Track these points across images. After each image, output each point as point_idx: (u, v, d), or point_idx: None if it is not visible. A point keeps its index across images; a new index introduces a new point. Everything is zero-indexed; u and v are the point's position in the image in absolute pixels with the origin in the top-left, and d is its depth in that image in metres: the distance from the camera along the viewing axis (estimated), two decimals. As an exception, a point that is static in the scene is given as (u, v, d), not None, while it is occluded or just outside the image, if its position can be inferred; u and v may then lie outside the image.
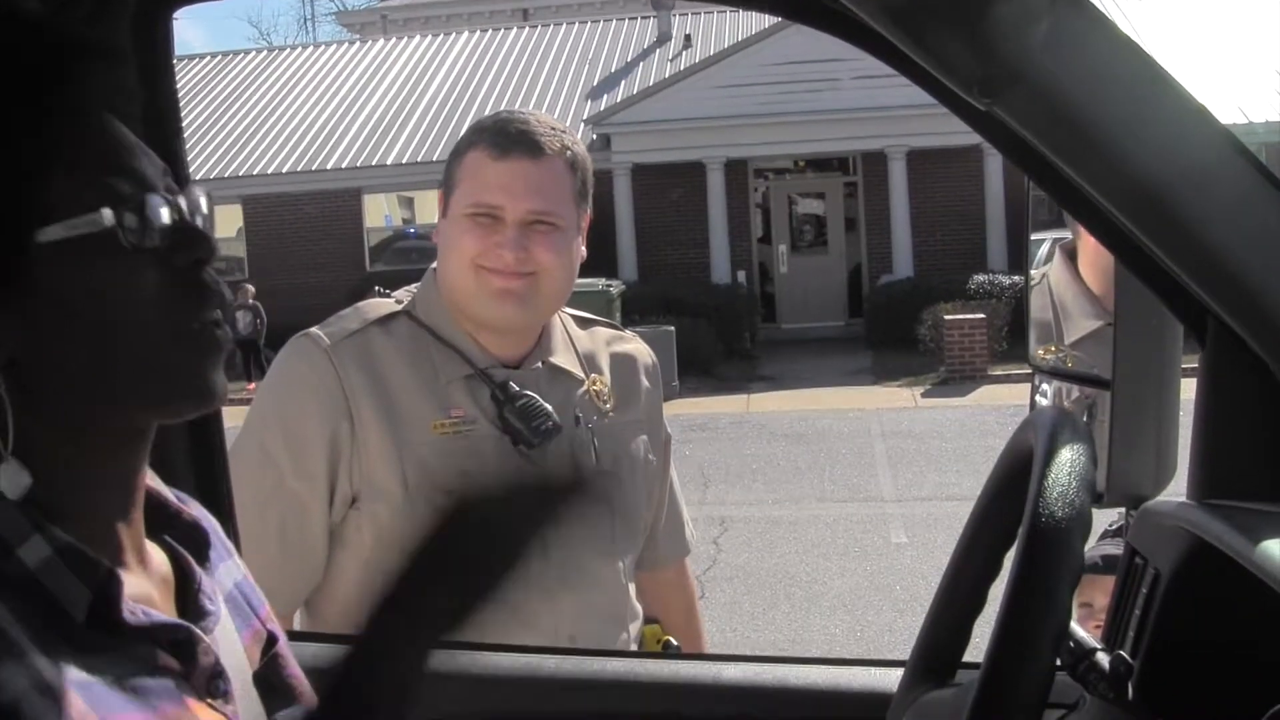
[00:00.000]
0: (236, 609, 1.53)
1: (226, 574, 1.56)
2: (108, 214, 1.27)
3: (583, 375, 2.97)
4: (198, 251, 1.34)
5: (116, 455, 1.36)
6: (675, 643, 3.13)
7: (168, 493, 1.51)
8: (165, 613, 1.36)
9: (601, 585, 2.90)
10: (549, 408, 2.82)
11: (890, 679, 2.17)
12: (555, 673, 2.36)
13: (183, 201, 1.35)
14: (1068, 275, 2.29)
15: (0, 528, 1.25)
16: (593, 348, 3.04)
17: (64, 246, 1.26)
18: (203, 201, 1.39)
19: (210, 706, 1.34)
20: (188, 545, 1.48)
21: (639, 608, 3.03)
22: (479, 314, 2.83)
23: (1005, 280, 27.70)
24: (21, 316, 1.26)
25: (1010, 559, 1.38)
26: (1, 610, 1.19)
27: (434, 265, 2.94)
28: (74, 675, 1.20)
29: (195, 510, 1.54)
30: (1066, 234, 2.38)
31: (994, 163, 30.14)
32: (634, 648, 2.98)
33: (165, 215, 1.31)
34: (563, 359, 2.95)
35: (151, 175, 1.34)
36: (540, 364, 2.90)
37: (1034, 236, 2.57)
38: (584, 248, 2.91)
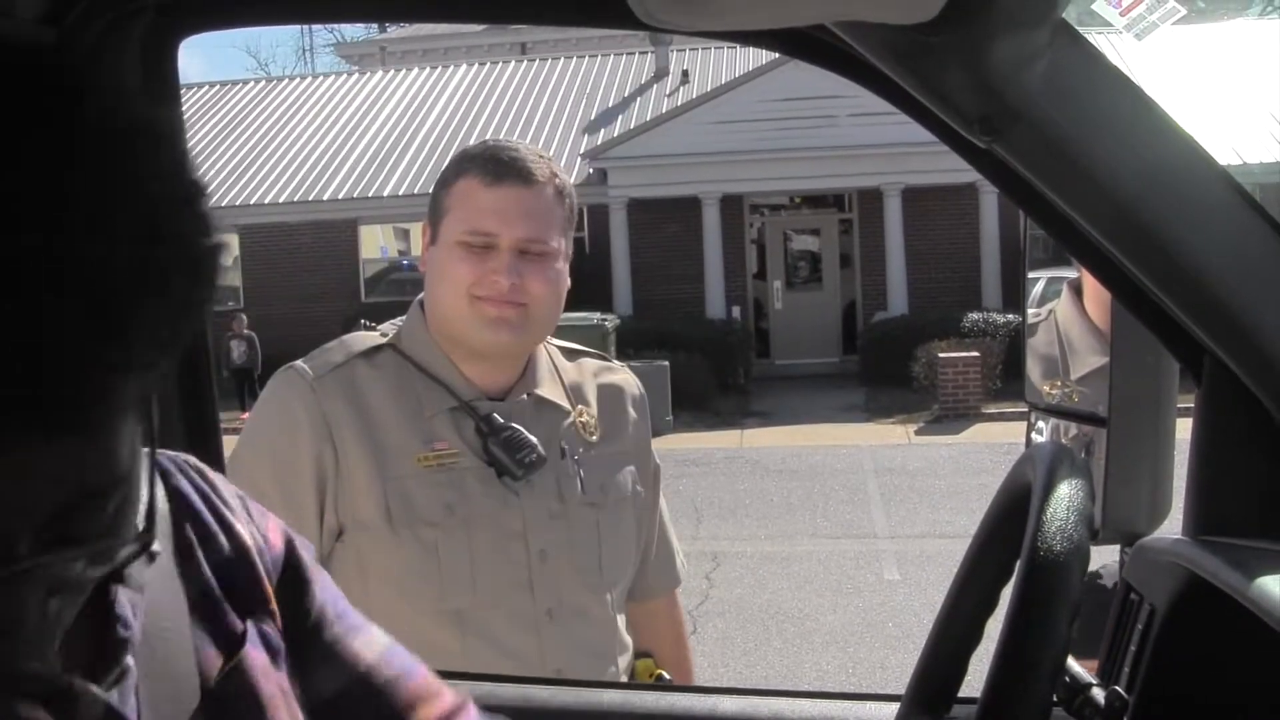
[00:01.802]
0: (202, 609, 1.35)
1: (204, 557, 1.38)
2: None
3: (569, 406, 2.97)
4: None
5: None
6: (669, 677, 3.13)
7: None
8: (71, 649, 1.15)
9: (589, 617, 2.89)
10: (534, 440, 2.82)
11: (886, 712, 2.17)
12: (549, 703, 2.36)
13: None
14: (1074, 312, 2.30)
15: None
16: (579, 379, 3.04)
17: None
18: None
19: None
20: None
21: (629, 640, 3.03)
22: (471, 342, 2.83)
23: (999, 318, 27.74)
24: None
25: (1008, 593, 1.39)
26: None
27: (419, 298, 2.95)
28: None
29: (178, 481, 1.40)
30: (1062, 273, 2.39)
31: (989, 200, 30.21)
32: (624, 680, 2.98)
33: None
34: (549, 390, 2.95)
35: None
36: (525, 395, 2.90)
37: (1031, 275, 2.58)
38: (568, 276, 2.91)
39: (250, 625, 1.41)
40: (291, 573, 1.50)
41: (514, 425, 2.82)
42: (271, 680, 1.39)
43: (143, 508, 1.12)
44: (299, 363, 2.85)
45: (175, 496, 1.39)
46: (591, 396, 3.02)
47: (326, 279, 32.92)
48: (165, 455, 1.42)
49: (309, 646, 1.48)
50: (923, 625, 9.66)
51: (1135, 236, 1.62)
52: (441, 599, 2.75)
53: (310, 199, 33.51)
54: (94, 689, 1.18)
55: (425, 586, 2.74)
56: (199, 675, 1.32)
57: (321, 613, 1.52)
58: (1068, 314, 2.35)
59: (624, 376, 3.14)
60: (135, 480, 1.07)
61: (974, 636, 1.69)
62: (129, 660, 1.24)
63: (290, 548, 1.51)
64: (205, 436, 2.35)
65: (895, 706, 1.87)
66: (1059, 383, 2.39)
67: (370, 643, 1.56)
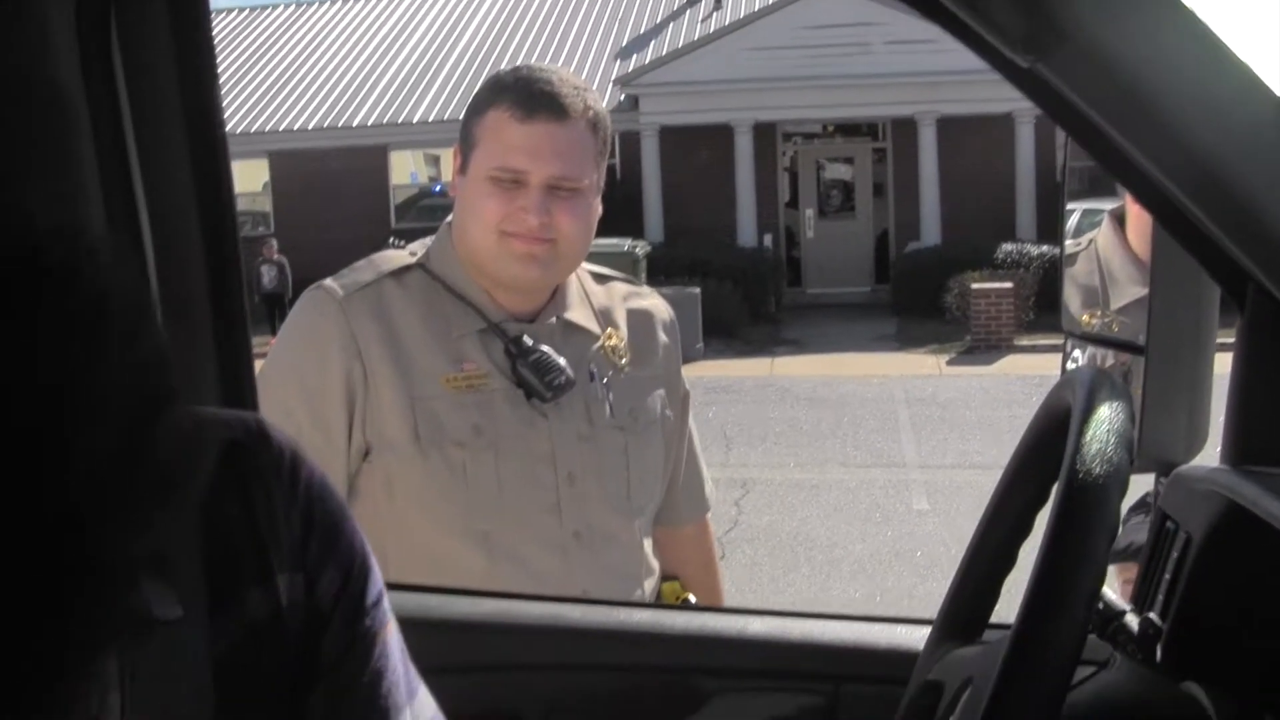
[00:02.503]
0: (233, 678, 1.20)
1: (235, 612, 1.23)
2: None
3: (598, 330, 2.95)
4: None
5: None
6: (694, 599, 3.13)
7: None
8: None
9: (616, 541, 2.89)
10: (563, 362, 2.80)
11: (916, 636, 2.17)
12: (579, 623, 2.37)
13: None
14: (1116, 241, 2.28)
15: None
16: (609, 303, 3.03)
17: None
18: None
19: None
20: None
21: (655, 564, 3.03)
22: (499, 275, 2.82)
23: (1033, 250, 27.66)
24: None
25: (1043, 519, 1.38)
26: None
27: (449, 219, 2.93)
28: None
29: None
30: (1099, 204, 2.37)
31: (1025, 131, 30.08)
32: (650, 604, 2.98)
33: None
34: (578, 314, 2.94)
35: None
36: (555, 319, 2.89)
37: (1068, 206, 2.56)
38: (600, 205, 2.89)
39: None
40: (346, 623, 1.30)
41: (543, 348, 2.81)
42: None
43: None
44: (328, 281, 2.84)
45: (224, 533, 1.23)
46: (621, 320, 3.01)
47: (356, 205, 32.90)
48: (238, 423, 1.29)
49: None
50: (951, 556, 9.68)
51: (1183, 162, 1.60)
52: (468, 520, 2.76)
53: (340, 125, 33.51)
54: None
55: (452, 508, 2.74)
56: None
57: (359, 689, 1.31)
58: (1109, 244, 2.34)
59: (654, 301, 3.13)
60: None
61: (1007, 561, 1.68)
62: None
63: (345, 591, 1.31)
64: (237, 361, 2.34)
65: (926, 630, 1.86)
66: (1098, 313, 2.37)
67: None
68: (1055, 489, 1.27)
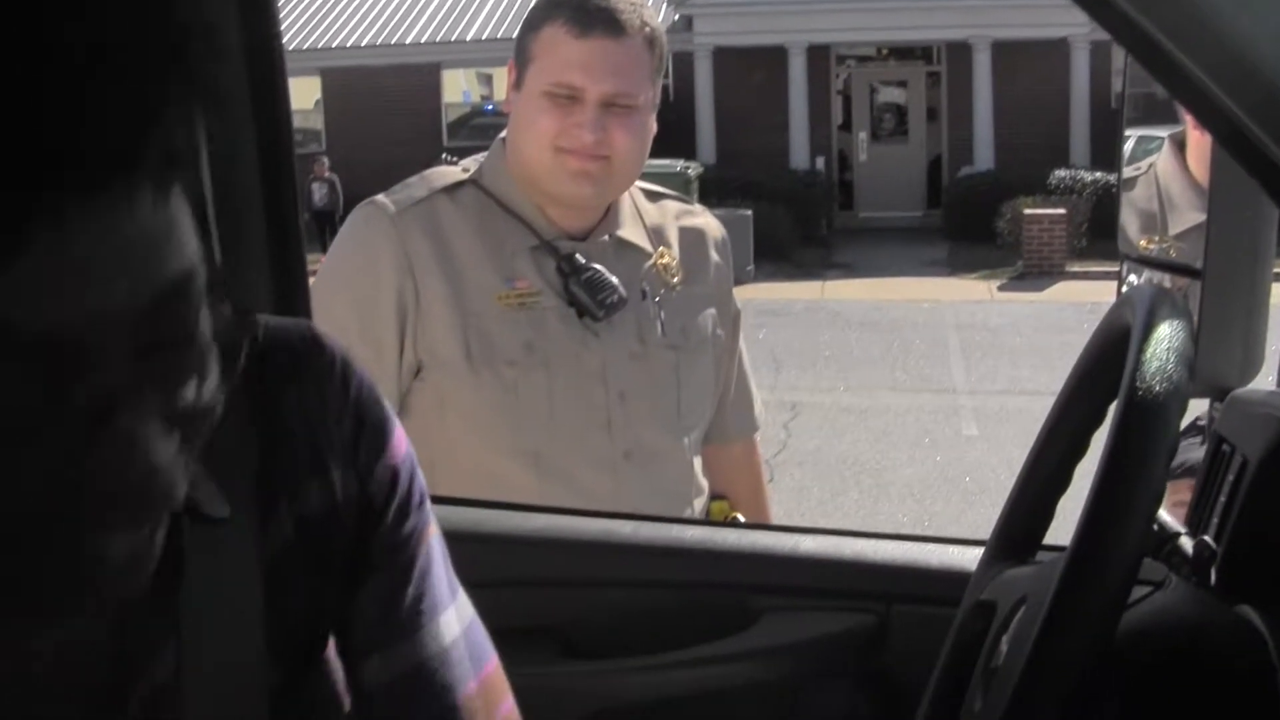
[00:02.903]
0: (282, 575, 1.24)
1: (287, 512, 1.26)
2: None
3: (650, 248, 2.95)
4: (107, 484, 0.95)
5: None
6: (742, 519, 3.14)
7: None
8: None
9: (666, 460, 2.90)
10: (615, 280, 2.80)
11: (969, 557, 2.16)
12: (630, 539, 2.37)
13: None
14: (1176, 166, 2.27)
15: None
16: (661, 221, 3.02)
17: None
18: None
19: None
20: None
21: (704, 483, 3.03)
22: (553, 192, 2.81)
23: (1087, 176, 27.45)
24: None
25: (1099, 439, 1.37)
26: None
27: (502, 135, 2.92)
28: None
29: None
30: (1155, 131, 2.36)
31: (1080, 57, 29.82)
32: (699, 522, 2.99)
33: None
34: (630, 232, 2.93)
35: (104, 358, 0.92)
36: (607, 237, 2.89)
37: (1125, 132, 2.54)
38: (654, 123, 2.88)
39: (326, 602, 1.29)
40: (397, 521, 1.34)
41: (595, 265, 2.80)
42: (344, 687, 1.31)
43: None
44: (380, 197, 2.84)
45: (278, 432, 1.26)
46: (673, 239, 3.00)
47: (408, 123, 32.84)
48: (285, 348, 1.31)
49: (386, 622, 1.34)
50: (1000, 481, 9.67)
51: (1246, 81, 1.58)
52: (519, 439, 2.76)
53: (393, 42, 33.43)
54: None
55: (503, 425, 2.75)
56: (266, 665, 1.21)
57: (409, 584, 1.35)
58: (1169, 169, 2.32)
59: (706, 220, 3.12)
60: (202, 287, 0.99)
61: (1063, 480, 1.67)
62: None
63: (395, 490, 1.34)
64: (291, 275, 2.35)
65: (979, 551, 1.86)
66: (1156, 238, 2.36)
67: (450, 623, 1.37)
68: (1114, 407, 1.27)
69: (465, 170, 2.91)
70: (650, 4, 2.85)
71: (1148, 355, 1.25)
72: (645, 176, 2.98)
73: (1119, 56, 1.83)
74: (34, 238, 0.85)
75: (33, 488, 0.92)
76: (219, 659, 1.17)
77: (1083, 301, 20.15)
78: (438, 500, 1.45)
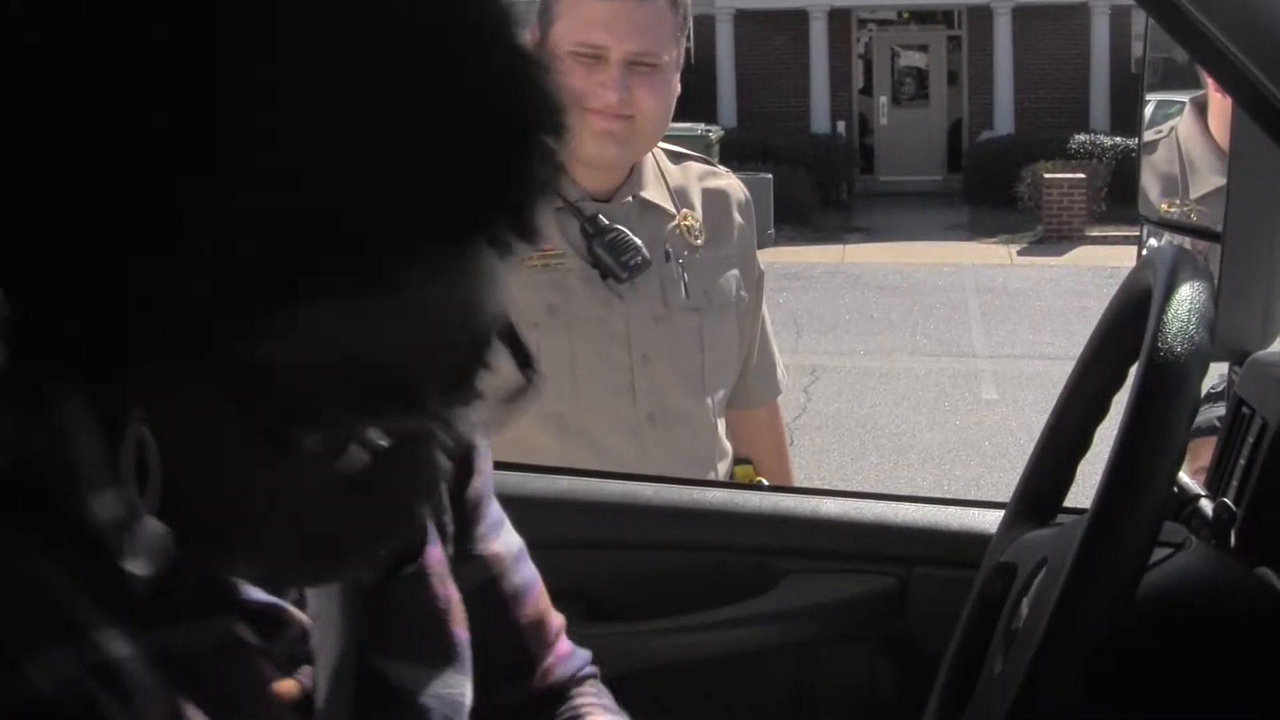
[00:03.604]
0: None
1: None
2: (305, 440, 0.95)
3: (674, 210, 2.94)
4: (396, 497, 1.03)
5: None
6: (766, 483, 3.14)
7: None
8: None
9: (690, 423, 2.90)
10: (639, 242, 2.80)
11: (989, 519, 2.17)
12: (652, 501, 2.37)
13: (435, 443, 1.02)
14: (1197, 130, 2.27)
15: (83, 467, 0.97)
16: (684, 183, 3.01)
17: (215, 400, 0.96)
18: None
19: (287, 677, 1.16)
20: None
21: (728, 446, 3.04)
22: (577, 152, 2.78)
23: (1106, 141, 27.34)
24: (160, 392, 0.96)
25: (1120, 401, 1.38)
26: (61, 575, 1.02)
27: None
28: (139, 652, 1.02)
29: None
30: (1175, 95, 2.36)
31: (1101, 22, 29.73)
32: (725, 484, 2.99)
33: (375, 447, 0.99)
34: (654, 193, 2.93)
35: (422, 383, 0.96)
36: (631, 198, 2.88)
37: (1145, 96, 2.54)
38: (678, 84, 2.88)
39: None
40: (466, 458, 1.39)
41: (619, 227, 2.80)
42: (448, 586, 1.33)
43: None
44: None
45: None
46: (696, 200, 3.00)
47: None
48: None
49: (461, 540, 1.39)
50: (1020, 445, 9.64)
51: (1269, 45, 1.58)
52: (542, 401, 2.75)
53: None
54: (298, 613, 1.18)
55: (526, 388, 2.74)
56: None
57: (478, 503, 1.42)
58: (1190, 132, 2.32)
59: (729, 181, 3.11)
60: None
61: (1083, 443, 1.68)
62: None
63: None
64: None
65: (999, 514, 1.87)
66: (1177, 201, 2.36)
67: (509, 543, 1.46)
68: (1136, 368, 1.27)
69: (485, 131, 2.90)
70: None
71: (1169, 316, 1.26)
72: (666, 139, 2.98)
73: (1139, 21, 1.83)
74: (411, 280, 0.91)
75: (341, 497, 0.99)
76: None
77: (1102, 266, 20.12)
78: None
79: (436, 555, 1.33)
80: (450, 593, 1.33)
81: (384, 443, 0.96)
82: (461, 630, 1.33)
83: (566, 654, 1.54)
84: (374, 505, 1.01)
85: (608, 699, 1.56)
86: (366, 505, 1.00)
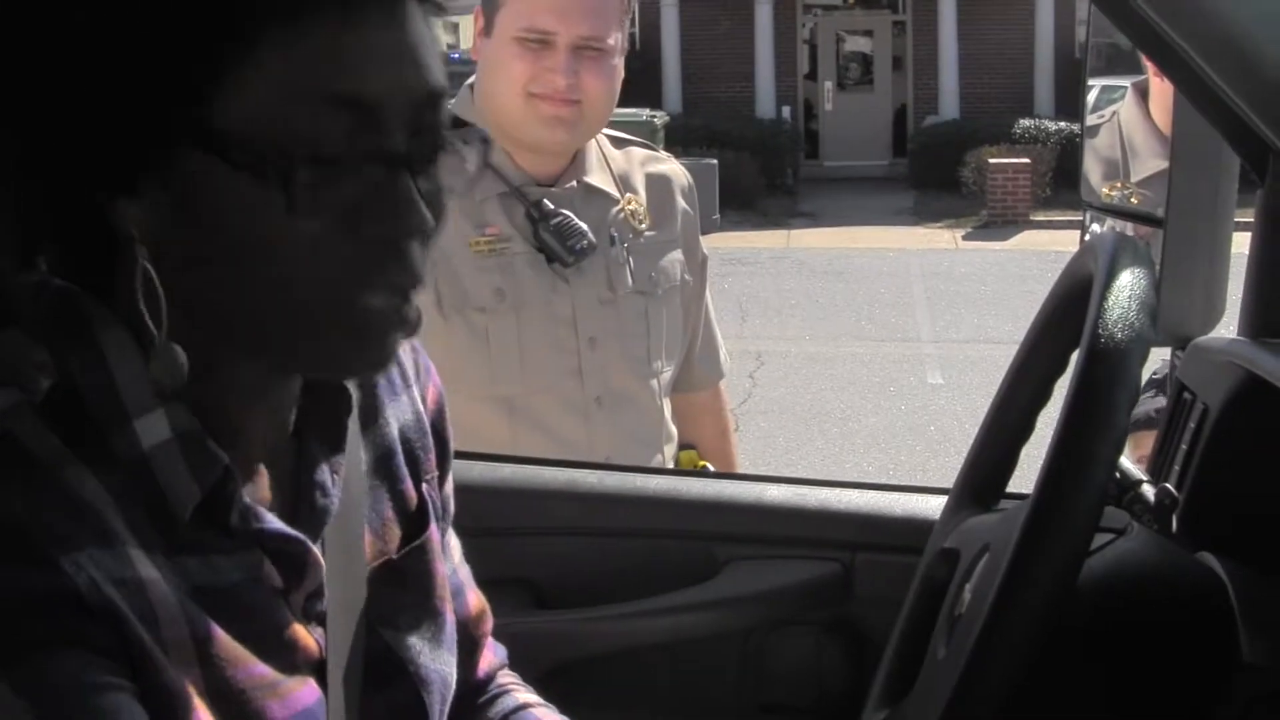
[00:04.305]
0: (388, 471, 1.37)
1: (392, 416, 1.40)
2: (270, 161, 1.05)
3: (618, 195, 2.96)
4: (388, 230, 1.12)
5: (266, 383, 1.22)
6: (711, 468, 3.15)
7: None
8: (277, 511, 1.21)
9: (637, 405, 2.92)
10: (584, 226, 2.82)
11: (933, 505, 2.17)
12: (596, 488, 2.37)
13: (410, 179, 1.13)
14: (1139, 114, 2.28)
15: (123, 391, 1.10)
16: (627, 168, 3.03)
17: (214, 161, 1.06)
18: (471, 155, 1.24)
19: (303, 627, 1.21)
20: (325, 414, 1.28)
21: (674, 430, 3.05)
22: (525, 138, 2.81)
23: (1051, 126, 27.46)
24: (159, 206, 1.09)
25: (1063, 386, 1.38)
26: (100, 490, 1.07)
27: (469, 82, 2.92)
28: (167, 575, 1.09)
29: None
30: (1118, 81, 2.36)
31: (1045, 7, 29.83)
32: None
33: (362, 178, 1.10)
34: (598, 178, 2.94)
35: (388, 112, 1.11)
36: (575, 183, 2.90)
37: (1089, 82, 2.55)
38: (623, 67, 2.89)
39: (427, 494, 1.41)
40: (444, 443, 1.49)
41: (564, 212, 2.81)
42: (442, 563, 1.41)
43: None
44: None
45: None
46: (640, 185, 3.02)
47: (374, 71, 32.66)
48: None
49: (447, 518, 1.49)
50: (965, 430, 9.69)
51: (1210, 34, 1.59)
52: (491, 384, 2.77)
53: (358, -11, 33.29)
54: (320, 556, 1.23)
55: (475, 372, 2.75)
56: (376, 543, 1.33)
57: (448, 496, 1.50)
58: (1132, 116, 2.33)
59: (672, 166, 3.13)
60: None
61: (1026, 428, 1.68)
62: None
63: (440, 415, 1.49)
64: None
65: (943, 499, 1.87)
66: (1119, 184, 2.37)
67: (458, 542, 1.55)
68: (1077, 354, 1.27)
69: (433, 117, 2.90)
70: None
71: (1110, 303, 1.26)
72: (612, 125, 2.99)
73: (1084, 6, 1.83)
74: (367, 19, 1.08)
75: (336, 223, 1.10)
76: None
77: (1047, 250, 20.18)
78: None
79: (435, 534, 1.39)
80: (444, 570, 1.40)
81: (365, 173, 1.09)
82: (450, 613, 1.39)
83: (493, 643, 1.61)
84: (365, 244, 1.10)
85: (520, 680, 1.64)
86: (359, 246, 1.10)
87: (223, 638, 1.12)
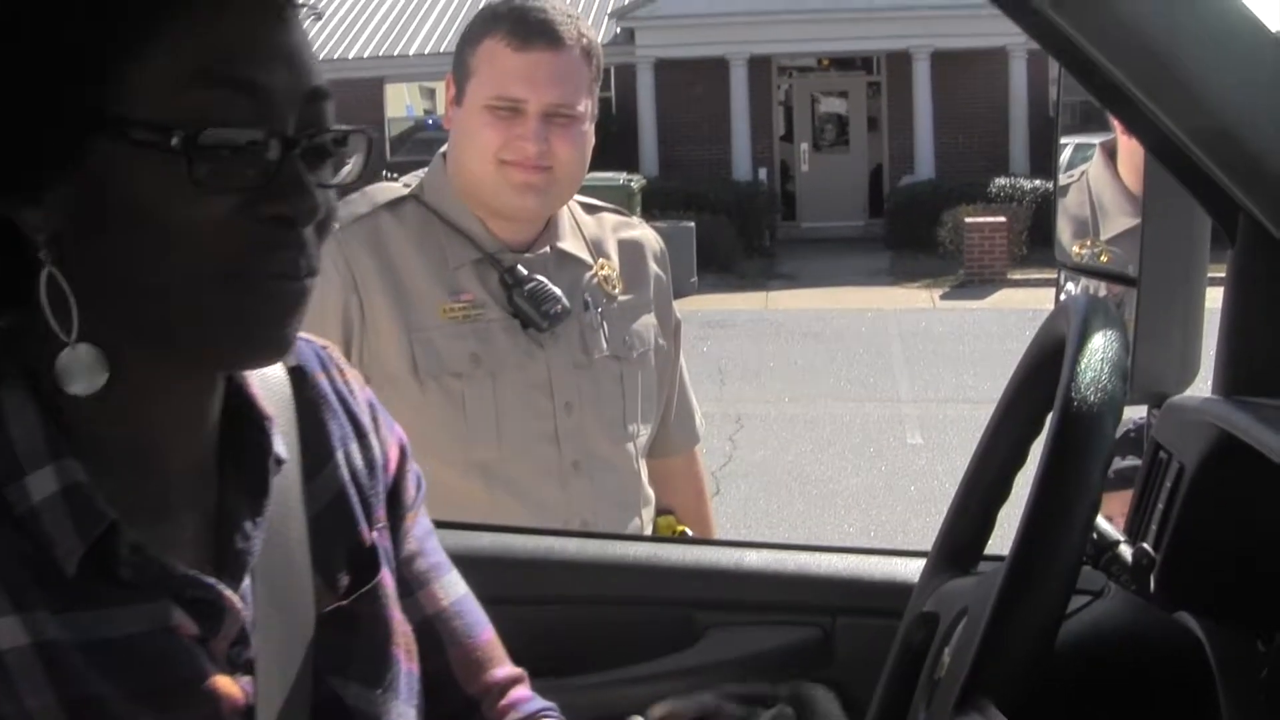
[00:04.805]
0: (337, 517, 1.37)
1: (343, 460, 1.40)
2: (176, 141, 1.11)
3: (590, 260, 2.98)
4: (285, 209, 1.17)
5: (176, 389, 1.23)
6: (690, 533, 3.15)
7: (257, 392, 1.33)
8: (195, 559, 1.20)
9: (614, 469, 2.93)
10: (558, 291, 2.84)
11: (912, 568, 2.17)
12: (575, 556, 2.37)
13: (303, 153, 1.19)
14: (1107, 174, 2.29)
15: (16, 445, 1.12)
16: (600, 233, 3.06)
17: (120, 147, 1.12)
18: (355, 157, 1.29)
19: (227, 677, 1.20)
20: (247, 453, 1.28)
21: (651, 493, 3.06)
22: (497, 204, 2.84)
23: (1026, 184, 27.56)
24: (64, 205, 1.14)
25: (1038, 448, 1.38)
26: None
27: (442, 150, 2.94)
28: (46, 635, 1.08)
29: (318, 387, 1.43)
30: (1091, 138, 2.37)
31: (1018, 66, 29.98)
32: (648, 534, 3.00)
33: (260, 158, 1.16)
34: (570, 244, 2.96)
35: (279, 98, 1.18)
36: (548, 249, 2.92)
37: (1062, 140, 2.56)
38: (593, 134, 2.91)
39: (378, 540, 1.40)
40: (399, 495, 1.49)
41: (538, 277, 2.83)
42: (397, 608, 1.39)
43: None
44: None
45: (312, 396, 1.41)
46: (612, 251, 3.04)
47: (351, 138, 32.67)
48: (307, 342, 1.44)
49: (413, 567, 1.49)
50: (945, 490, 9.70)
51: (1178, 95, 1.59)
52: (467, 450, 2.78)
53: (335, 57, 33.28)
54: (237, 600, 1.21)
55: (451, 438, 2.76)
56: (324, 587, 1.32)
57: (417, 545, 1.50)
58: (1100, 176, 2.34)
59: (644, 231, 3.16)
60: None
61: (1002, 491, 1.68)
62: (246, 577, 1.24)
63: (403, 468, 1.50)
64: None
65: (921, 562, 1.87)
66: (1089, 242, 2.38)
67: (449, 586, 1.53)
68: (1050, 418, 1.28)
69: (406, 186, 2.92)
70: (590, 20, 2.86)
71: (1082, 366, 1.26)
72: (588, 190, 3.01)
73: (1055, 65, 1.85)
74: (256, 15, 1.18)
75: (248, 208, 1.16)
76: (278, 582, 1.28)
77: (1024, 308, 20.23)
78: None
79: (389, 580, 1.38)
80: (402, 621, 1.38)
81: (263, 155, 1.16)
82: (412, 663, 1.38)
83: (523, 699, 1.60)
84: (264, 225, 1.16)
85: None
86: (259, 226, 1.15)
87: (111, 695, 1.10)
